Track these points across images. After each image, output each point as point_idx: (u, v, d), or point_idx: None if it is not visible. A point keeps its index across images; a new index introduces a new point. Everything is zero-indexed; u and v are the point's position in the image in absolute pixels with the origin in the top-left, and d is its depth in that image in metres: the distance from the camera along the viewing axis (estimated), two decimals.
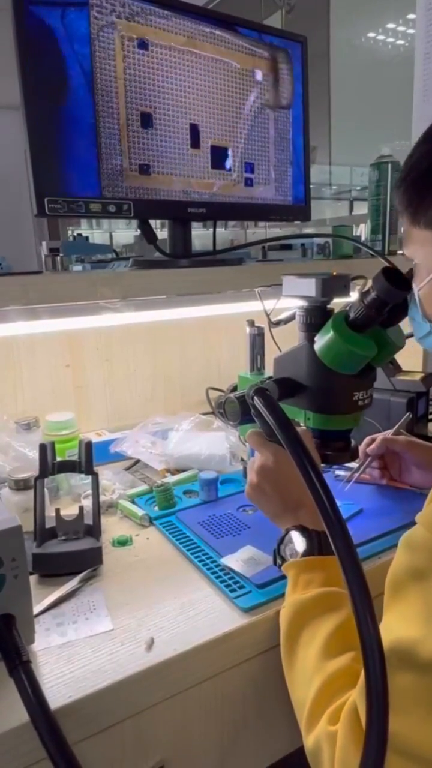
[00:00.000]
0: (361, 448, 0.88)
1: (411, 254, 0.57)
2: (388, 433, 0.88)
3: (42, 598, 0.63)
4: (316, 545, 0.60)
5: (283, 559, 0.62)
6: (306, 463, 0.50)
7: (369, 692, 0.39)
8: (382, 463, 0.89)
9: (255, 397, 0.61)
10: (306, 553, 0.60)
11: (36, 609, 0.60)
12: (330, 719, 0.47)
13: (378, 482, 0.89)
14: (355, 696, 0.45)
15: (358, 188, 4.08)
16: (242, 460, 0.95)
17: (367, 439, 0.89)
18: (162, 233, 1.02)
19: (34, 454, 0.79)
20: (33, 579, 0.67)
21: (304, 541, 0.61)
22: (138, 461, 0.98)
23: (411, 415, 0.95)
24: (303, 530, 0.62)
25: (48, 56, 0.76)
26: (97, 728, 0.51)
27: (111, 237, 4.73)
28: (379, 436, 0.88)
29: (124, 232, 4.67)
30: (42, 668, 0.53)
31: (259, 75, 0.98)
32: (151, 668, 0.53)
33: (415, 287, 0.58)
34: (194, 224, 1.00)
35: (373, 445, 0.87)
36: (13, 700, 0.47)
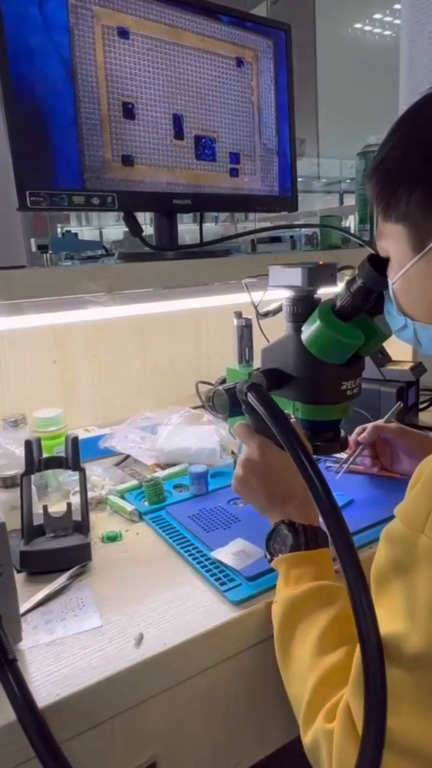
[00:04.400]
0: (352, 437, 0.88)
1: (384, 248, 0.56)
2: (380, 422, 0.88)
3: (30, 595, 0.62)
4: (303, 540, 0.60)
5: (272, 555, 0.62)
6: (303, 457, 0.49)
7: (367, 689, 0.39)
8: (373, 452, 0.89)
9: (249, 393, 0.60)
10: (292, 548, 0.59)
11: (24, 607, 0.60)
12: (326, 716, 0.47)
13: (369, 471, 0.88)
14: (347, 694, 0.45)
15: (348, 180, 4.08)
16: (232, 453, 0.95)
17: (358, 429, 0.89)
18: (151, 229, 1.01)
19: (22, 452, 0.78)
20: (21, 577, 0.66)
21: (290, 536, 0.60)
22: (128, 456, 0.97)
23: (402, 404, 0.95)
24: (290, 525, 0.61)
25: (26, 46, 0.75)
26: (86, 726, 0.50)
27: (101, 233, 4.70)
28: (370, 425, 0.88)
29: (114, 229, 4.64)
30: (29, 666, 0.52)
31: (242, 63, 0.97)
32: (140, 664, 0.53)
33: (390, 281, 0.57)
34: (184, 219, 0.99)
35: (364, 434, 0.87)
36: (0, 701, 0.46)
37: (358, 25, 3.48)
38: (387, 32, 3.44)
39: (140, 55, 0.85)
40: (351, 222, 2.13)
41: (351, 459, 0.88)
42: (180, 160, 0.91)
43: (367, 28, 3.47)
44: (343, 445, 0.74)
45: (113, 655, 0.53)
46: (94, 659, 0.53)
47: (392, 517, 0.46)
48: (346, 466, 0.88)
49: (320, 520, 0.61)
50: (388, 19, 3.39)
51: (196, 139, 0.93)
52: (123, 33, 0.83)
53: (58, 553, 0.68)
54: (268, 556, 0.62)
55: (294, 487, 0.63)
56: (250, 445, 0.67)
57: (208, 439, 0.96)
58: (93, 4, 0.79)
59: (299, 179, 1.11)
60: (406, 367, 1.04)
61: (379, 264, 0.58)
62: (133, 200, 0.88)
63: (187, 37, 0.90)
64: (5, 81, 0.74)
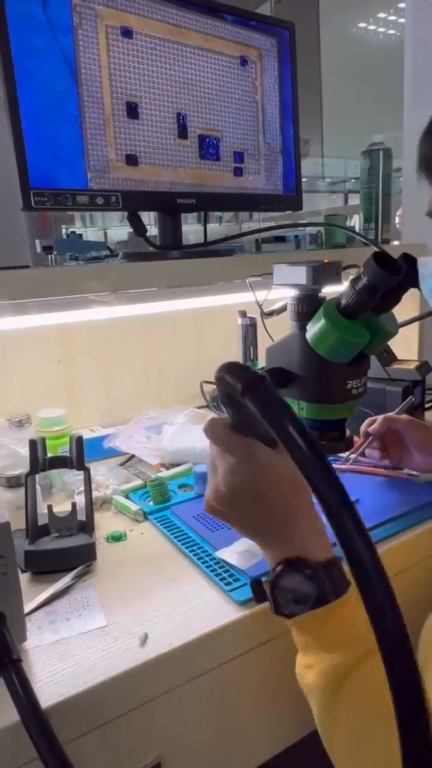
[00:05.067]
0: (362, 427, 0.87)
1: None
2: (390, 414, 0.87)
3: (35, 595, 0.62)
4: (329, 588, 0.47)
5: (280, 609, 0.49)
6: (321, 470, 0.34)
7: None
8: (382, 445, 0.88)
9: (249, 391, 0.41)
10: (317, 603, 0.46)
11: (29, 607, 0.60)
12: None
13: (378, 463, 0.87)
14: None
15: (352, 180, 4.07)
16: None
17: (368, 420, 0.88)
18: (155, 230, 1.01)
19: (26, 451, 0.78)
20: (26, 577, 0.66)
21: (308, 586, 0.47)
22: (132, 456, 0.97)
23: (413, 399, 0.94)
24: (302, 566, 0.47)
25: (29, 47, 0.75)
26: (90, 726, 0.50)
27: (105, 234, 4.72)
28: (381, 416, 0.87)
29: (119, 229, 4.66)
30: (34, 666, 0.52)
31: (246, 62, 0.97)
32: (145, 664, 0.52)
33: None
34: (188, 219, 0.98)
35: (374, 425, 0.86)
36: (4, 701, 0.46)
37: (362, 25, 3.47)
38: (391, 31, 3.44)
39: (144, 54, 0.85)
40: (356, 221, 2.12)
41: (360, 449, 0.87)
42: (184, 159, 0.91)
43: (371, 27, 3.46)
44: (348, 445, 0.73)
45: (118, 655, 0.53)
46: (98, 659, 0.53)
47: (399, 516, 0.44)
48: (354, 456, 0.87)
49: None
50: (392, 18, 3.39)
51: (199, 138, 0.93)
52: (127, 32, 0.83)
53: (62, 553, 0.67)
54: (272, 607, 0.49)
55: (297, 501, 0.50)
56: (236, 451, 0.51)
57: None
58: (96, 4, 0.79)
59: (303, 179, 1.11)
60: (412, 366, 1.03)
61: (385, 261, 0.58)
62: (137, 200, 0.88)
63: (191, 36, 0.89)
64: (9, 81, 0.74)
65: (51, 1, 0.76)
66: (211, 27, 0.91)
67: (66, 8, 0.77)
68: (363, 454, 0.88)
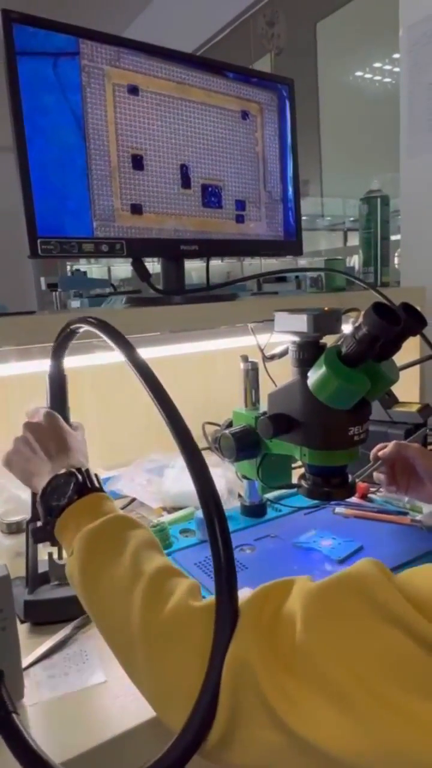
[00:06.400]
0: (372, 451, 0.86)
1: None
2: (402, 441, 0.86)
3: (33, 647, 0.61)
4: (89, 482, 0.55)
5: (51, 514, 0.53)
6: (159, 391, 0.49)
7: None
8: (391, 471, 0.86)
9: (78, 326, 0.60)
10: (80, 489, 0.54)
11: (26, 661, 0.58)
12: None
13: (386, 488, 0.86)
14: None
15: (351, 219, 4.16)
16: (239, 496, 0.94)
17: (380, 445, 0.87)
18: (157, 266, 1.03)
19: (27, 496, 0.77)
20: (25, 627, 0.65)
21: (77, 476, 0.55)
22: (133, 500, 0.97)
23: (428, 429, 0.94)
24: (71, 472, 0.56)
25: (40, 104, 0.78)
26: None
27: (109, 271, 4.80)
28: (392, 442, 0.86)
29: (123, 266, 4.74)
30: (31, 725, 0.51)
31: (247, 116, 1.01)
32: (146, 722, 0.51)
33: None
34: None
35: (385, 450, 0.85)
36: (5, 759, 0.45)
37: (359, 73, 3.61)
38: (387, 79, 3.57)
39: (149, 109, 0.88)
40: (355, 261, 2.16)
41: (367, 471, 0.85)
42: (187, 207, 0.94)
43: (368, 75, 3.60)
44: (351, 491, 0.73)
45: (118, 713, 0.52)
46: (98, 718, 0.51)
47: (402, 564, 0.43)
48: (362, 476, 0.85)
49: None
50: (387, 67, 3.52)
51: (202, 187, 0.96)
52: (133, 90, 0.86)
53: (62, 603, 0.66)
54: (40, 523, 0.55)
55: (78, 444, 0.64)
56: (38, 413, 0.66)
57: (215, 481, 0.95)
58: (104, 65, 0.83)
59: (304, 218, 1.14)
60: (414, 408, 1.03)
61: (385, 312, 0.59)
62: (142, 247, 0.90)
63: (195, 93, 0.93)
64: (19, 135, 0.77)
65: (61, 62, 0.79)
66: (213, 84, 0.95)
67: (75, 69, 0.81)
68: (371, 477, 0.86)
